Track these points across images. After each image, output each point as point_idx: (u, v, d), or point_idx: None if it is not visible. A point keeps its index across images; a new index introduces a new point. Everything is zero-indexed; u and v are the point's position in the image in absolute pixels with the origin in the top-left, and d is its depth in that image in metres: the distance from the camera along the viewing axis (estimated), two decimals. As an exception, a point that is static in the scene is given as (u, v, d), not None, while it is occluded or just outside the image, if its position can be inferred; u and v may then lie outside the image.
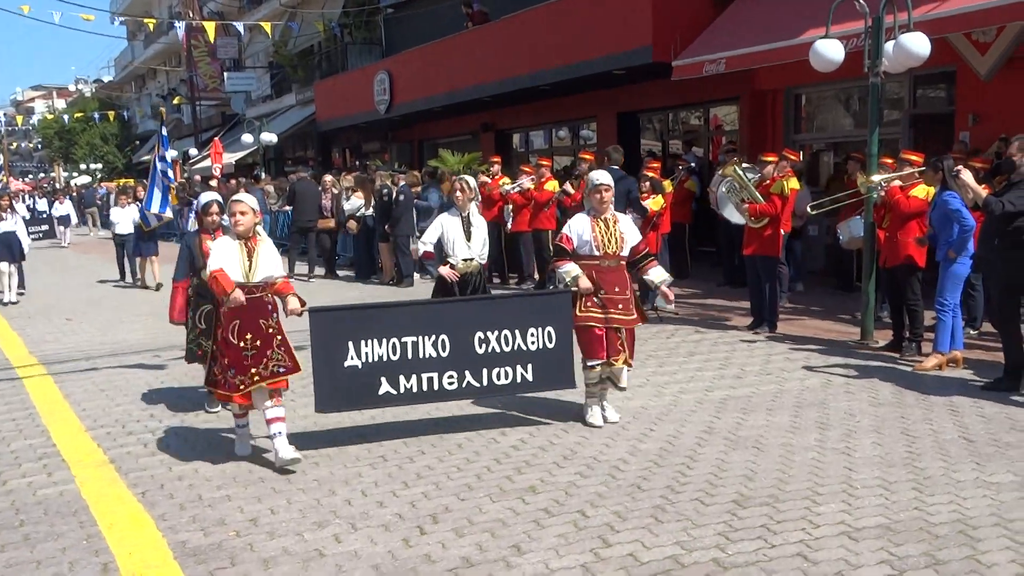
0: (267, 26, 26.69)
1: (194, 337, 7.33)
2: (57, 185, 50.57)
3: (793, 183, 10.22)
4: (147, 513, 5.28)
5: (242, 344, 5.84)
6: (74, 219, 29.86)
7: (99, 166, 58.71)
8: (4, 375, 9.18)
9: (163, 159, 14.87)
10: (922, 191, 8.75)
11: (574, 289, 6.54)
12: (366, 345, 6.10)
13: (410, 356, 6.20)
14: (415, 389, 6.24)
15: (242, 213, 5.94)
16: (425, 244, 8.02)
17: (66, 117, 62.05)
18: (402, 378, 6.21)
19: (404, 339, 6.19)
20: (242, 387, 5.84)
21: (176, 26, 30.59)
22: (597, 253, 6.59)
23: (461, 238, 7.80)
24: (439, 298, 7.58)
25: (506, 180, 14.72)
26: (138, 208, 16.67)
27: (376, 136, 29.87)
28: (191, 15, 36.17)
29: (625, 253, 6.70)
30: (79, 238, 29.85)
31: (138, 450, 6.52)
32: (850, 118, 15.46)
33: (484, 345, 6.35)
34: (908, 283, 8.73)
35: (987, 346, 8.84)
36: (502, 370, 6.41)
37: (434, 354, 6.25)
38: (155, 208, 14.94)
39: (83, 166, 59.88)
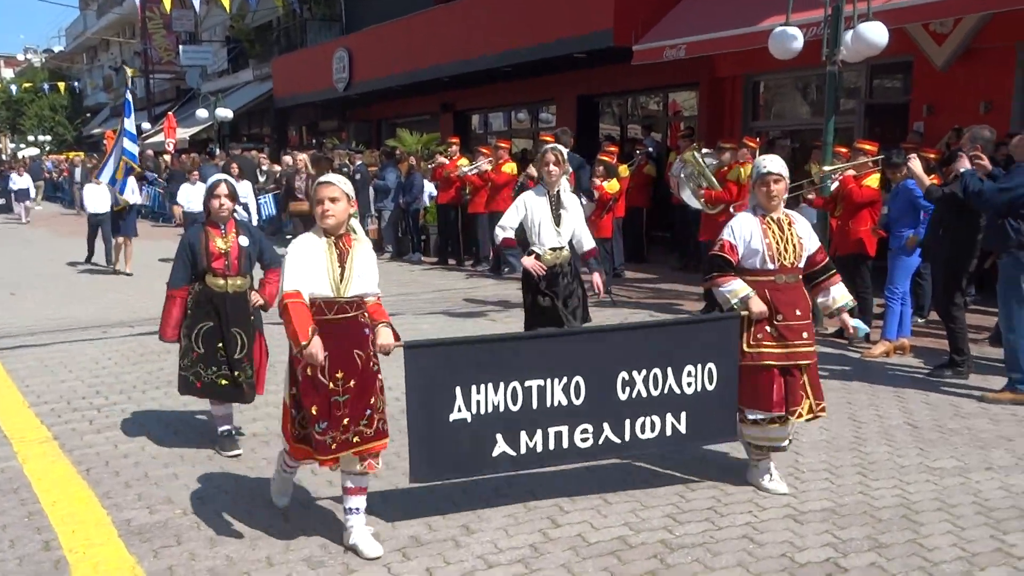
0: (224, 0, 26.29)
1: (190, 363, 5.70)
2: (3, 156, 49.59)
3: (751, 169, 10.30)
4: (91, 491, 5.22)
5: (331, 384, 4.29)
6: (32, 193, 28.58)
7: (48, 138, 57.64)
8: (-54, 350, 9.01)
9: (130, 135, 14.01)
10: (875, 181, 8.88)
11: (743, 314, 4.99)
12: (478, 392, 4.56)
13: (535, 405, 4.68)
14: (539, 448, 4.74)
15: (332, 200, 4.31)
16: (505, 229, 6.57)
17: (14, 87, 60.76)
18: (523, 434, 4.69)
19: (528, 383, 4.66)
20: (334, 446, 4.27)
21: (130, -4, 30.10)
22: (771, 266, 5.03)
23: (549, 222, 6.39)
24: (569, 328, 6.13)
25: (464, 161, 14.70)
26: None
27: (334, 114, 29.62)
28: (146, -15, 35.53)
29: (802, 265, 5.15)
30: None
31: (83, 427, 6.43)
32: (807, 106, 15.61)
33: (628, 388, 4.85)
34: (858, 271, 8.85)
35: (934, 334, 8.99)
36: (648, 420, 4.91)
37: (565, 401, 4.74)
38: (104, 178, 14.28)
39: (31, 138, 58.75)
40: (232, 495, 5.14)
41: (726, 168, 10.17)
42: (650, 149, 15.53)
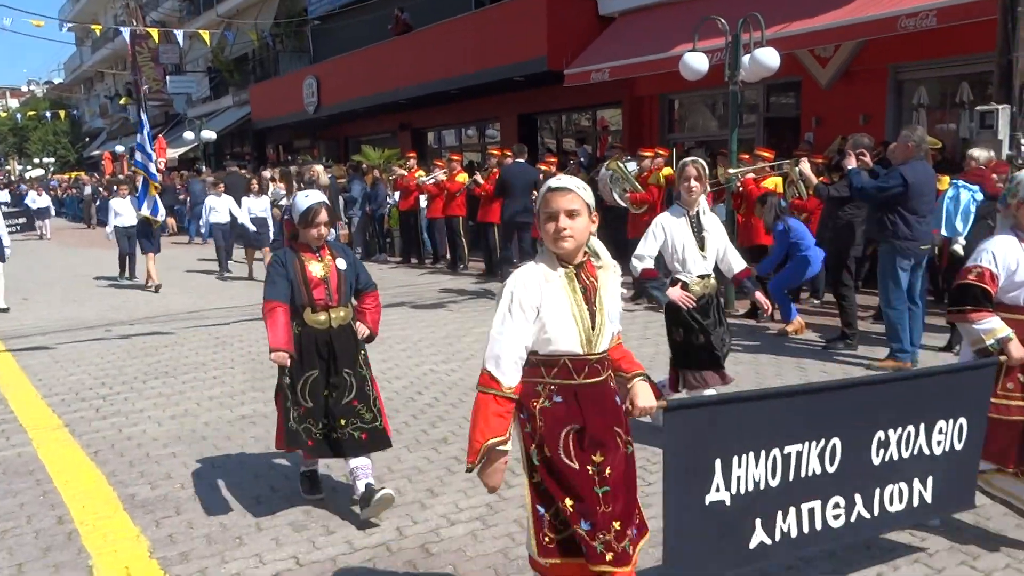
0: (205, 35, 25.87)
1: (299, 418, 4.23)
2: (12, 177, 48.26)
3: (666, 171, 10.41)
4: (99, 470, 5.12)
5: (588, 468, 2.72)
6: (52, 211, 26.76)
7: (52, 160, 56.24)
8: (-36, 350, 8.77)
9: (141, 148, 12.53)
10: (771, 183, 9.01)
11: (1001, 359, 3.66)
12: (739, 464, 3.04)
13: (791, 476, 3.17)
14: (793, 532, 3.20)
15: (570, 214, 2.66)
16: (643, 259, 5.18)
17: (19, 116, 59.12)
18: (779, 515, 3.17)
19: (788, 449, 3.15)
20: (609, 556, 2.69)
21: (121, 31, 29.41)
22: None
23: (693, 246, 5.06)
24: (825, 382, 3.82)
25: (421, 173, 14.66)
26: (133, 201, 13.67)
27: (306, 134, 29.29)
28: (135, 23, 34.85)
29: None
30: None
31: (90, 415, 6.30)
32: (715, 120, 15.76)
33: (882, 451, 3.37)
34: (759, 261, 8.98)
35: (828, 313, 9.15)
36: (897, 488, 3.44)
37: (818, 469, 3.23)
38: (145, 210, 12.58)
39: (36, 160, 57.28)
40: (224, 470, 5.07)
41: (647, 173, 10.24)
42: (582, 159, 15.58)
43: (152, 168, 12.74)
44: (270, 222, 13.62)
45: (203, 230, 15.65)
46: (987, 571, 3.65)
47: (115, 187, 14.88)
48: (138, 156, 12.66)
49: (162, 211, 13.09)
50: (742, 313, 9.36)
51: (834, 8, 11.16)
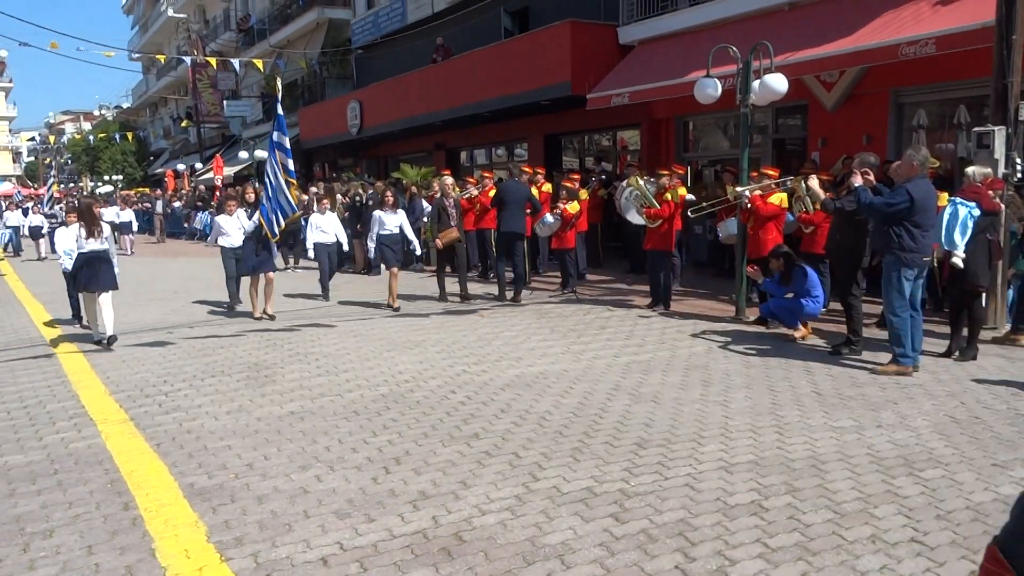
0: (259, 63, 26.18)
1: None
2: (85, 192, 48.92)
3: (681, 191, 10.34)
4: (161, 461, 5.15)
5: None
6: (135, 226, 24.10)
7: (120, 177, 57.05)
8: (42, 351, 8.88)
9: (280, 146, 9.54)
10: (777, 198, 8.92)
11: None
12: None
13: None
14: None
15: None
16: None
17: (91, 137, 60.00)
18: None
19: None
20: None
21: (184, 60, 29.84)
22: None
23: None
24: None
25: (456, 189, 14.67)
26: (247, 213, 10.84)
27: (349, 153, 29.49)
28: (196, 53, 35.31)
29: None
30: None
31: (154, 410, 6.34)
32: (727, 141, 15.65)
33: None
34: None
35: (834, 320, 9.03)
36: None
37: None
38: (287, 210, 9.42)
39: (106, 177, 58.15)
40: (274, 462, 5.08)
41: (664, 190, 10.17)
42: (603, 176, 15.54)
43: (291, 166, 9.61)
44: (412, 236, 11.83)
45: (308, 250, 12.83)
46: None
47: (221, 203, 12.34)
48: (290, 164, 9.54)
49: (276, 225, 9.59)
50: (752, 320, 9.26)
51: (839, 37, 11.05)
